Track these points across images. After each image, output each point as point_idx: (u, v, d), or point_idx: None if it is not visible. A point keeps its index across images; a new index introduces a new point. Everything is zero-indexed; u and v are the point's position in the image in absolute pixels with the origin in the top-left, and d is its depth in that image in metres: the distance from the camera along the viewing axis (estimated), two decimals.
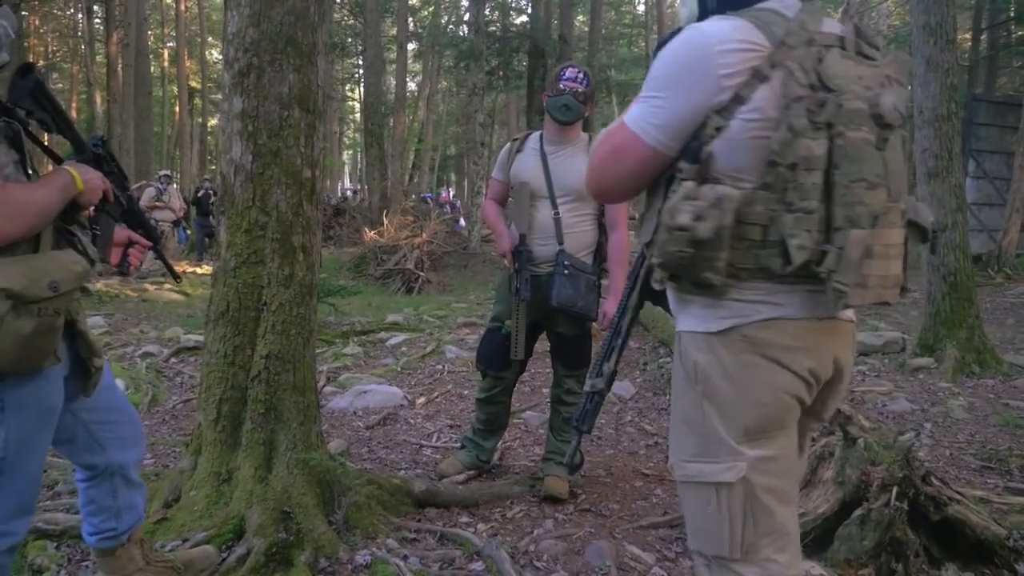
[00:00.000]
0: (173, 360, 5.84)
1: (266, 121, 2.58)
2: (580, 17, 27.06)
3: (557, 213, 3.07)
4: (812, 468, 2.76)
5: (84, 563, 2.40)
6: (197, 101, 34.31)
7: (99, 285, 9.70)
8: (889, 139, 1.29)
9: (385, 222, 13.82)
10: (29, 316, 1.52)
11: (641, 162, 1.40)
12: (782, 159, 1.27)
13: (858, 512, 2.47)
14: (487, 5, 17.94)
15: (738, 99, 1.30)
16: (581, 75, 3.04)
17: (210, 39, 35.24)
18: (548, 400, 3.62)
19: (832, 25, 1.36)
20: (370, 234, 13.17)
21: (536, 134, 3.23)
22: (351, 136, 43.40)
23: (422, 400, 4.85)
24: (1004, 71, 21.87)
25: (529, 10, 21.99)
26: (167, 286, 10.68)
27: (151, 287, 10.66)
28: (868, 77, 1.30)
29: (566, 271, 3.00)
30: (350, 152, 46.45)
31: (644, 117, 1.38)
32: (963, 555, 2.56)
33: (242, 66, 2.58)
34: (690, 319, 1.42)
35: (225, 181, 2.65)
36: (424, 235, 13.00)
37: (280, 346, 2.57)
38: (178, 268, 12.15)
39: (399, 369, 5.76)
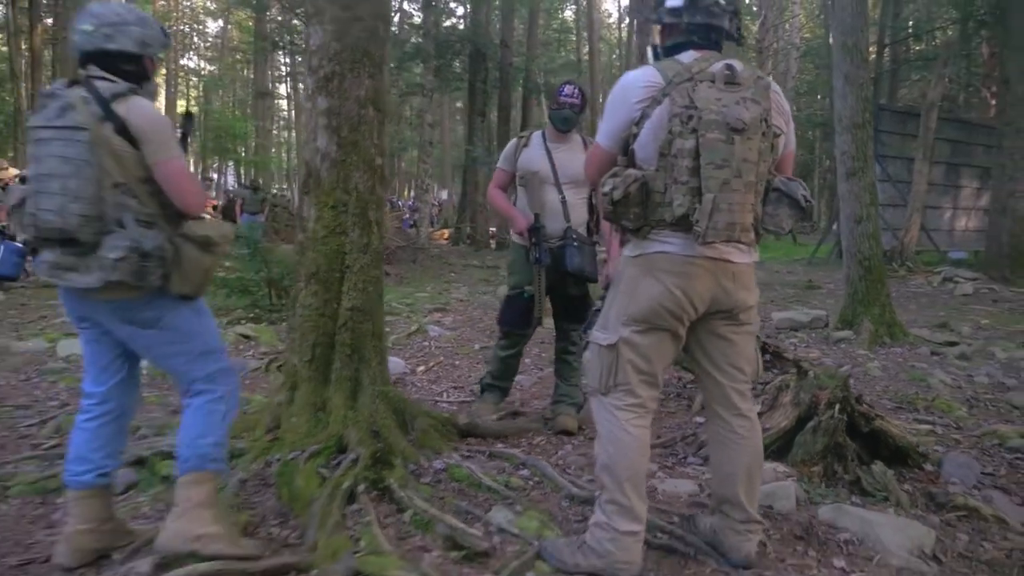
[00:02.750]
0: None
1: (347, 118, 3.17)
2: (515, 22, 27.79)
3: (563, 196, 3.76)
4: (773, 396, 3.54)
5: None
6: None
7: None
8: (737, 138, 2.05)
9: None
10: (210, 255, 2.21)
11: (598, 159, 2.28)
12: (667, 151, 2.08)
13: (811, 423, 3.24)
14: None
15: (644, 116, 2.12)
16: (576, 91, 3.84)
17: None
18: (533, 367, 4.32)
19: (716, 67, 2.15)
20: None
21: (538, 133, 3.94)
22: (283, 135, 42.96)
23: (422, 368, 5.46)
24: (904, 83, 23.86)
25: (462, 11, 22.57)
26: None
27: None
28: (725, 99, 2.10)
29: (575, 243, 3.69)
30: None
31: (601, 132, 2.26)
32: (886, 459, 3.36)
33: (327, 72, 3.16)
34: (627, 248, 2.27)
35: (310, 167, 3.22)
36: None
37: (361, 301, 3.17)
38: None
39: (389, 345, 6.31)
